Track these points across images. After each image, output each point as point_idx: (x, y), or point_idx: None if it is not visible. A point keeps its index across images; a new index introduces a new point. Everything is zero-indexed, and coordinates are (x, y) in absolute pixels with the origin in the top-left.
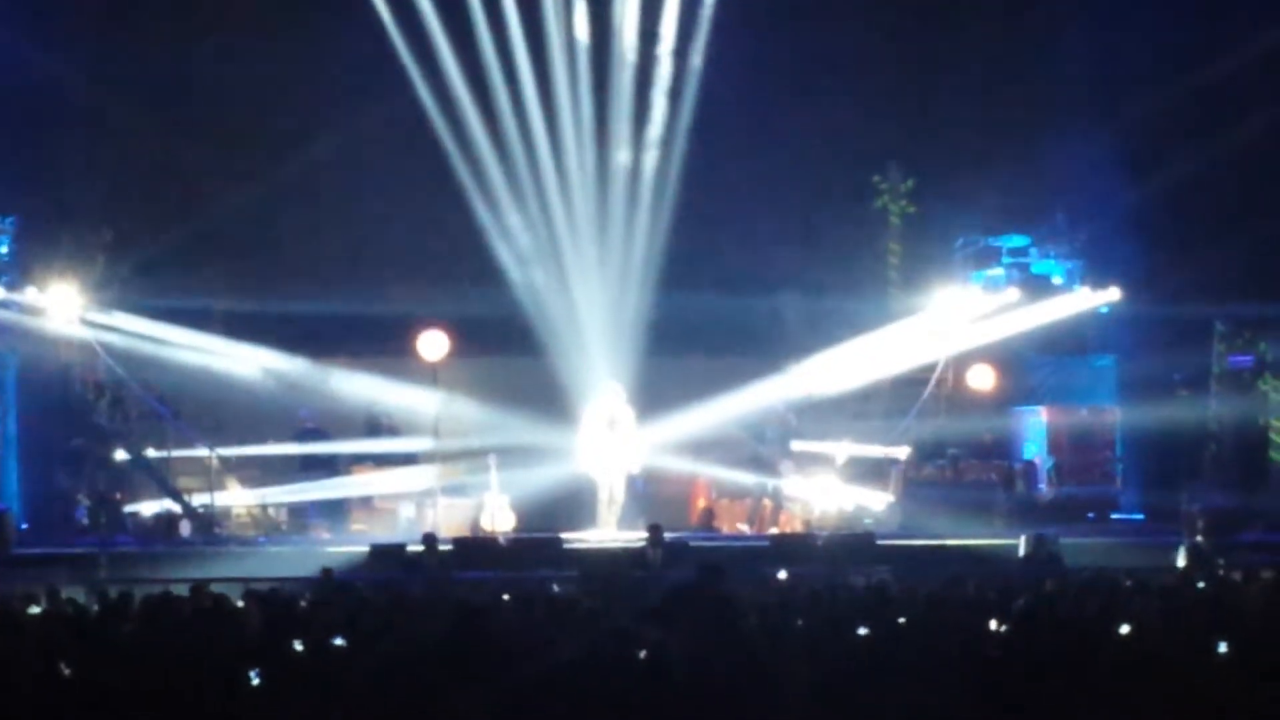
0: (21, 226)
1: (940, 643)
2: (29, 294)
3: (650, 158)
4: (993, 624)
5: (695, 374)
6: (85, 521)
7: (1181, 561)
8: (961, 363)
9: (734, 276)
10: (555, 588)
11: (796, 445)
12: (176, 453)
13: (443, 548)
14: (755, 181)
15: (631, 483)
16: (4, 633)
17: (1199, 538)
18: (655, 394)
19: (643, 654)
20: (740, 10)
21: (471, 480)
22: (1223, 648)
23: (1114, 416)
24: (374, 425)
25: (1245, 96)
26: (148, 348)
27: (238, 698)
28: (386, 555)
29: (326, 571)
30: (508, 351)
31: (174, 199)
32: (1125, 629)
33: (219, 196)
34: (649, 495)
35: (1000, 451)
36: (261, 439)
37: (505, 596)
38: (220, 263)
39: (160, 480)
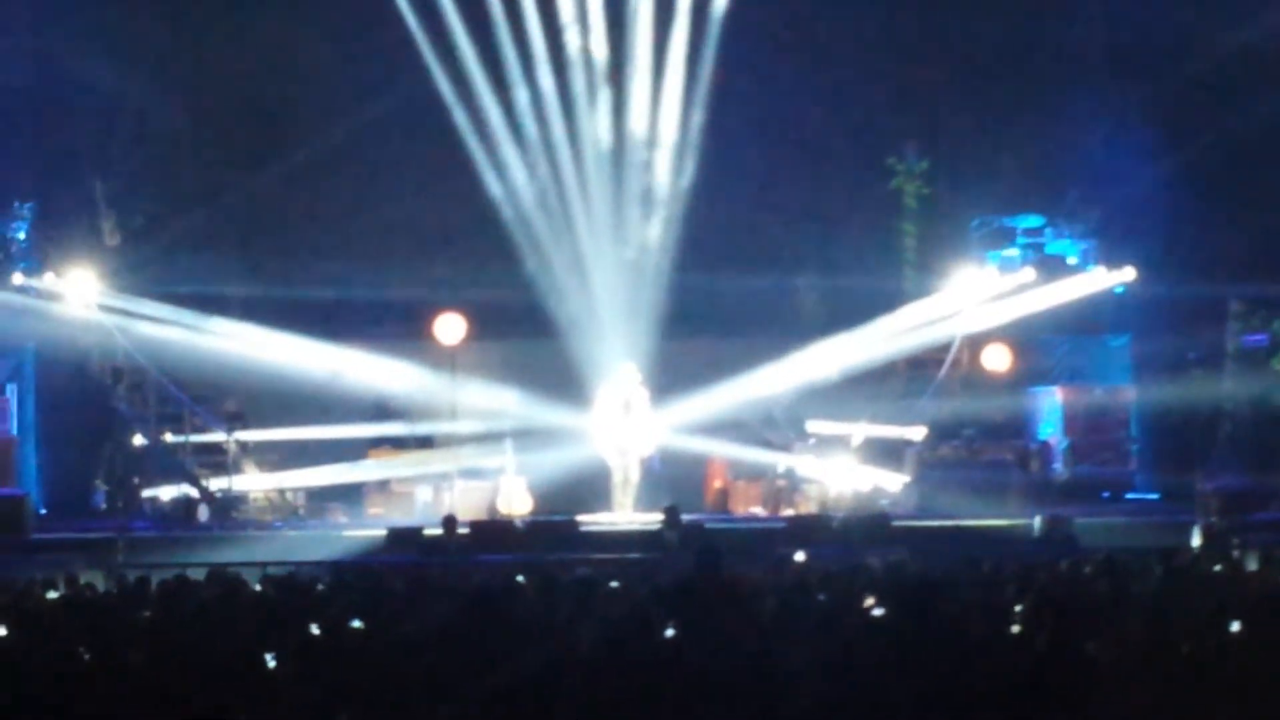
0: (39, 212)
1: (955, 623)
2: (47, 280)
3: (666, 140)
4: (1008, 603)
5: (710, 356)
6: (103, 507)
7: (1197, 541)
8: (977, 343)
9: (749, 258)
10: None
11: (812, 426)
12: (194, 438)
13: (460, 531)
14: (771, 163)
15: (647, 465)
16: (23, 618)
17: (1214, 517)
18: (671, 376)
19: (665, 634)
20: None
21: (488, 463)
22: (1235, 626)
23: (1129, 396)
24: (382, 409)
25: (1260, 74)
26: (165, 333)
27: (255, 681)
28: (404, 539)
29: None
30: (524, 334)
31: (191, 184)
32: (1140, 608)
33: (236, 181)
34: (665, 477)
35: (1015, 432)
36: (280, 423)
37: (520, 579)
38: (237, 247)
39: (178, 465)
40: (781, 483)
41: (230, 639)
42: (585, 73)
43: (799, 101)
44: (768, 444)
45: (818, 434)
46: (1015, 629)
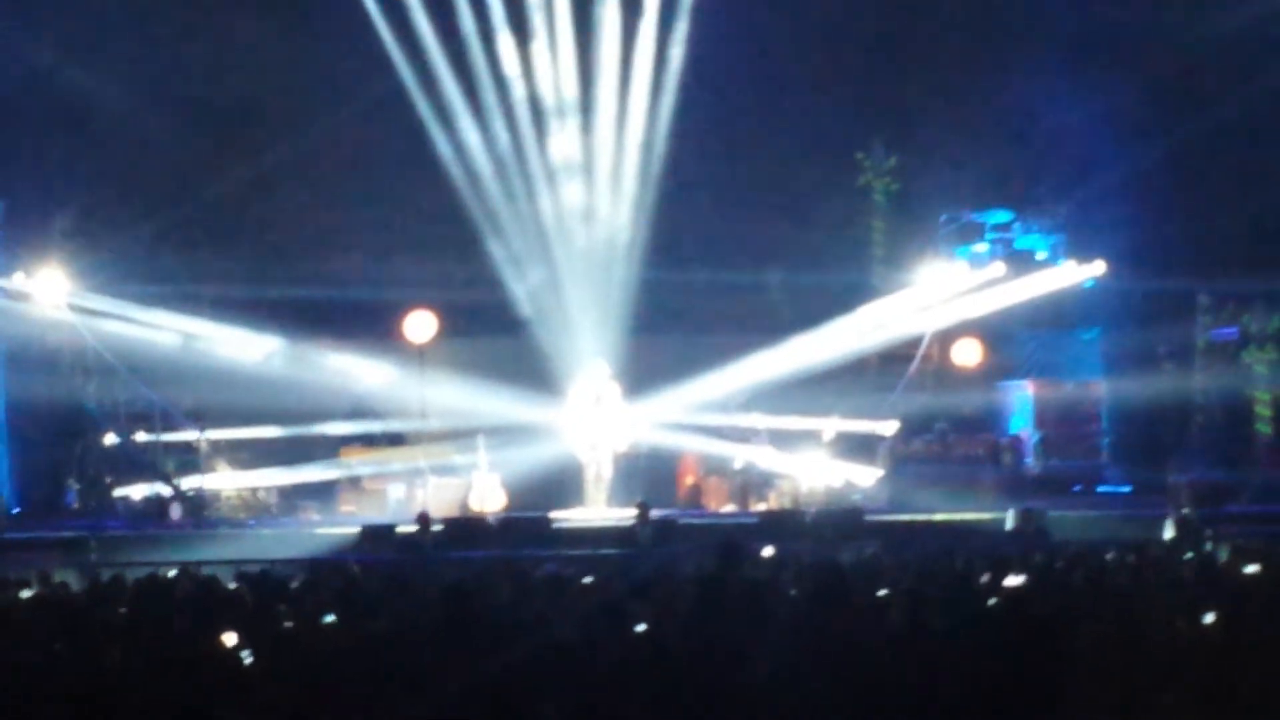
0: (9, 211)
1: (928, 617)
2: (16, 279)
3: (635, 135)
4: (981, 597)
5: (681, 351)
6: (76, 505)
7: (1169, 534)
8: (947, 338)
9: (719, 254)
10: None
11: (774, 421)
12: (166, 436)
13: (433, 528)
14: (740, 159)
15: (619, 460)
16: None
17: (1185, 510)
18: (641, 371)
19: (638, 629)
20: None
21: (460, 460)
22: (1208, 618)
23: (1100, 390)
24: (354, 407)
25: (1229, 71)
26: (136, 332)
27: (230, 678)
28: (377, 536)
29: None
30: (495, 331)
31: (161, 184)
32: (1113, 601)
33: (206, 181)
34: (637, 472)
35: (987, 426)
36: (251, 422)
37: (498, 575)
38: (208, 246)
39: (150, 464)
40: (738, 477)
41: (205, 636)
42: (554, 68)
43: (768, 97)
44: (720, 434)
45: (779, 428)
46: (990, 622)
